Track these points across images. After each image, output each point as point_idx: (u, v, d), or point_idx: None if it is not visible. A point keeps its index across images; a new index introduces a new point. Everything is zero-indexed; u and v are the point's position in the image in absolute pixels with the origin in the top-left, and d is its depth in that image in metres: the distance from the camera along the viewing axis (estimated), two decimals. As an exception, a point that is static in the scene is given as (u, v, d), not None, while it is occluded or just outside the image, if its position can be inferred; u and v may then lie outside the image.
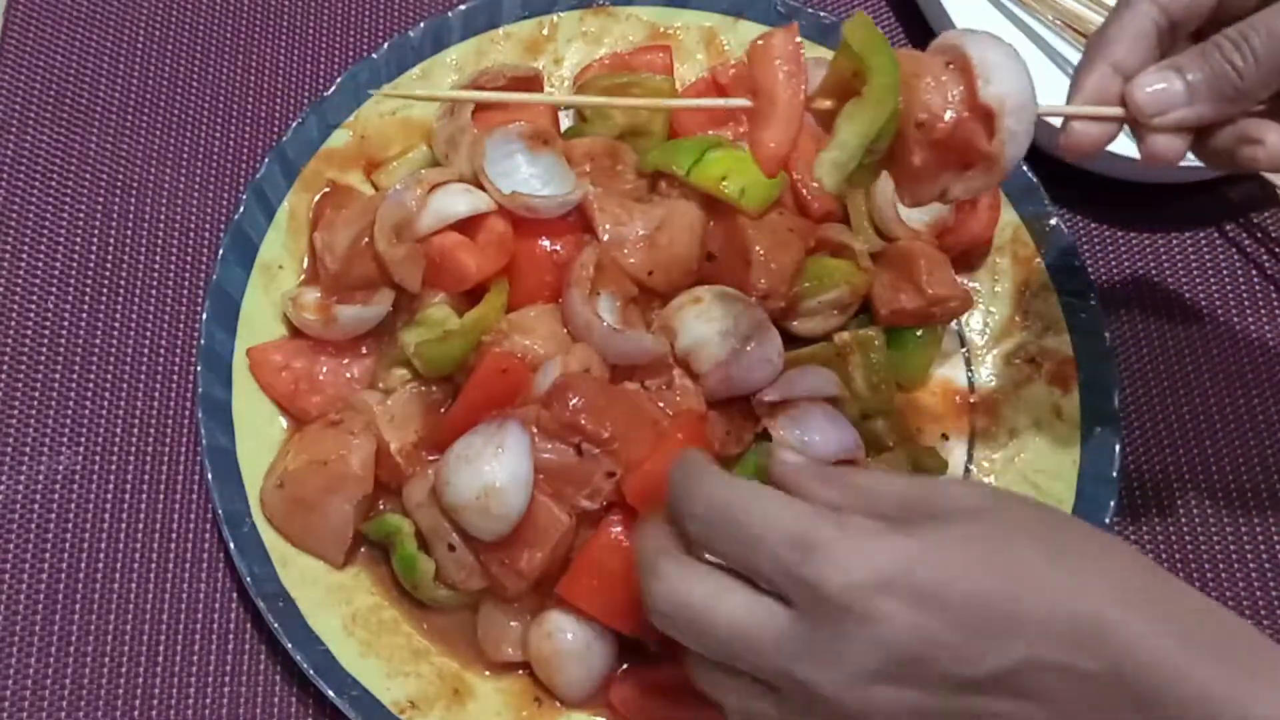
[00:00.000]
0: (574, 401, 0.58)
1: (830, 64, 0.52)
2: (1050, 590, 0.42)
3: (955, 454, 0.69)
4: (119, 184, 0.71)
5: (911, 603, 0.41)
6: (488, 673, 0.61)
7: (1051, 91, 0.78)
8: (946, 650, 0.41)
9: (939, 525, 0.43)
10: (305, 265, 0.68)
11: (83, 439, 0.64)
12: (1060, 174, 0.78)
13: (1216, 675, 0.41)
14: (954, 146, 0.50)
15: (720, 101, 0.61)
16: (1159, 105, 0.51)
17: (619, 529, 0.58)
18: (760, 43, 0.51)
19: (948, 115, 0.50)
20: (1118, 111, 0.52)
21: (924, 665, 0.41)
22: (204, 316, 0.64)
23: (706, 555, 0.47)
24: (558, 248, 0.64)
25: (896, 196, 0.55)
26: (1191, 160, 0.76)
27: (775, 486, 0.47)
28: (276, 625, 0.58)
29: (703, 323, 0.62)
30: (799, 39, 0.51)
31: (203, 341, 0.63)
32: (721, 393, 0.63)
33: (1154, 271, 0.77)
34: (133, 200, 0.71)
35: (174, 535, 0.63)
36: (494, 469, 0.56)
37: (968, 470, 0.69)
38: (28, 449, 0.64)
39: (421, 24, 0.73)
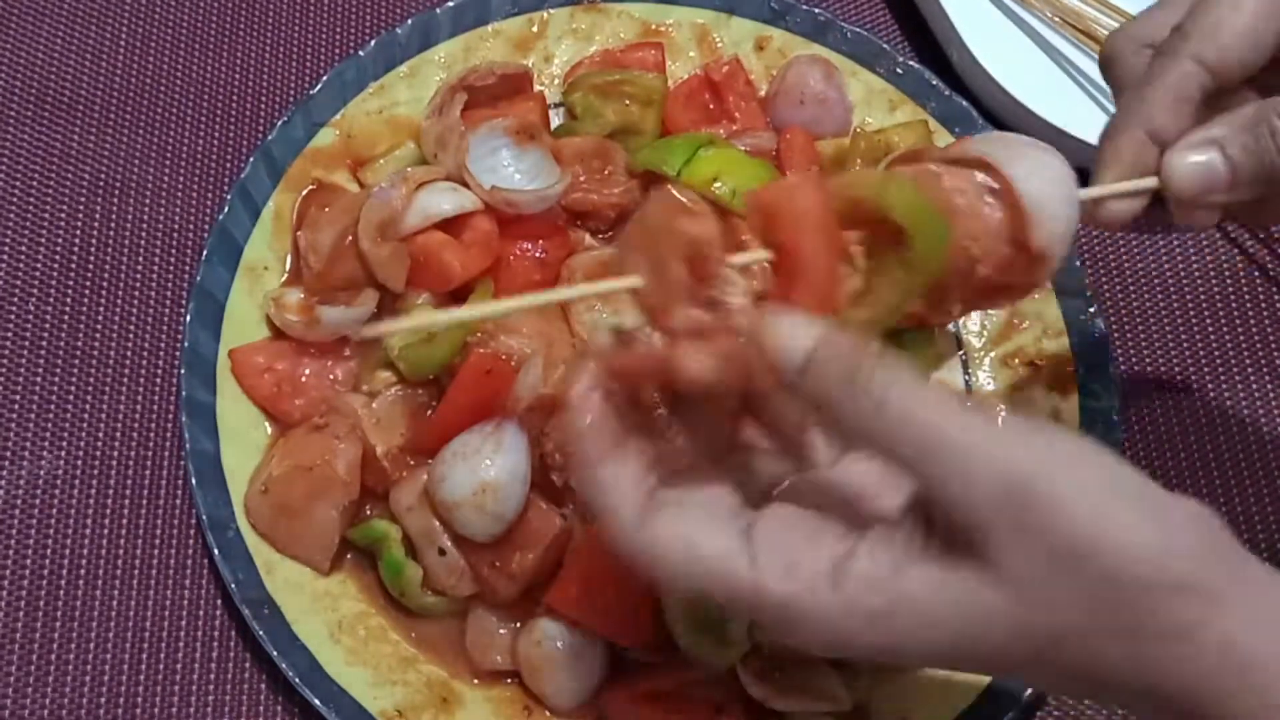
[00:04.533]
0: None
1: (853, 193, 0.45)
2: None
3: (952, 456, 0.69)
4: (101, 184, 0.70)
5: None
6: (476, 681, 0.61)
7: (1050, 90, 0.78)
8: None
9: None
10: (289, 265, 0.67)
11: (64, 443, 0.63)
12: (1058, 172, 0.77)
13: None
14: (990, 286, 0.48)
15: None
16: (1198, 186, 0.46)
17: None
18: (770, 197, 0.44)
19: (990, 265, 0.46)
20: (1152, 184, 0.48)
21: None
22: (187, 319, 0.63)
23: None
24: (542, 247, 0.64)
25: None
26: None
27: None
28: (261, 632, 0.58)
29: None
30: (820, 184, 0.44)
31: (186, 344, 0.63)
32: None
33: (1154, 271, 0.76)
34: (115, 200, 0.70)
35: (157, 541, 0.63)
36: (492, 465, 0.56)
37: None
38: (8, 453, 0.63)
39: (409, 21, 0.72)
